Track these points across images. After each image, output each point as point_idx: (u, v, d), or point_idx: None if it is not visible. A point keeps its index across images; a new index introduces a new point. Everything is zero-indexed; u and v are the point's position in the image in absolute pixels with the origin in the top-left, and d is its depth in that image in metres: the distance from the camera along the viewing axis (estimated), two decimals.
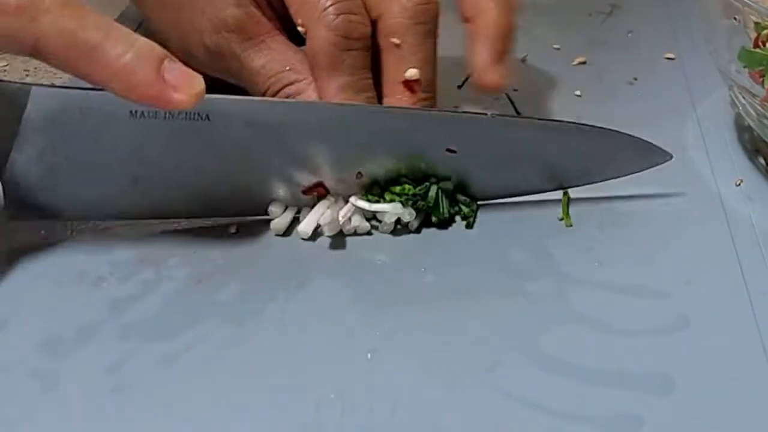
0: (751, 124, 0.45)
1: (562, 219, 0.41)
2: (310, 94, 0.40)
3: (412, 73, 0.40)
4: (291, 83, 0.40)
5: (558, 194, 0.42)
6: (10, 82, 0.36)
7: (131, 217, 0.40)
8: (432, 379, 0.32)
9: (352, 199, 0.39)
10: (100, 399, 0.32)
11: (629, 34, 0.59)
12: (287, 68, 0.40)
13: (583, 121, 0.41)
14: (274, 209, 0.40)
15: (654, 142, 0.41)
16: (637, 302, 0.36)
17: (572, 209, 0.41)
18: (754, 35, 0.41)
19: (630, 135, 0.41)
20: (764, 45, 0.41)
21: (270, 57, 0.40)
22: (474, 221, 0.41)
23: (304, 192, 0.39)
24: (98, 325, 0.35)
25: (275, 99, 0.40)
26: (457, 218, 0.41)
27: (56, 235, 0.39)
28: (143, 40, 0.33)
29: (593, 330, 0.35)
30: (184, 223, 0.40)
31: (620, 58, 0.55)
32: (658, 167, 0.41)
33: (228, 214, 0.40)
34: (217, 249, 0.39)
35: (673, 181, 0.43)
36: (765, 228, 0.40)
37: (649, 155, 0.41)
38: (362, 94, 0.40)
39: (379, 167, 0.39)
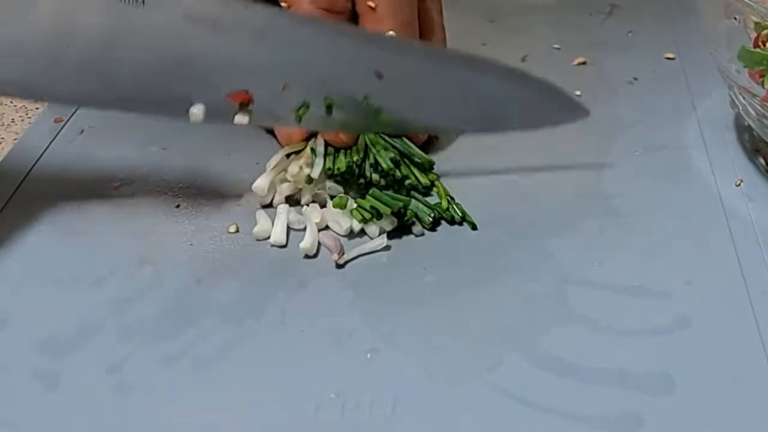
0: (751, 123, 0.45)
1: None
2: None
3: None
4: None
5: (558, 194, 0.42)
6: None
7: (49, 100, 0.39)
8: (432, 378, 0.32)
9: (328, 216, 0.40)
10: (100, 399, 0.32)
11: (629, 34, 0.59)
12: None
13: (583, 121, 0.41)
14: (195, 111, 0.37)
15: (654, 142, 0.41)
16: (637, 302, 0.36)
17: (572, 209, 0.41)
18: (754, 35, 0.41)
19: (555, 87, 0.41)
20: (764, 45, 0.41)
21: None
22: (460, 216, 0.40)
23: (229, 96, 0.38)
24: (98, 325, 0.35)
25: None
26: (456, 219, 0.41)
27: (57, 235, 0.39)
28: None
29: (593, 330, 0.35)
30: (182, 218, 0.40)
31: (620, 58, 0.55)
32: (657, 164, 0.41)
33: (144, 110, 0.38)
34: (217, 249, 0.39)
35: (673, 181, 0.43)
36: (765, 227, 0.40)
37: (569, 110, 0.41)
38: None
39: (307, 84, 0.38)
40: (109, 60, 0.36)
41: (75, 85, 0.36)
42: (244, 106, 0.38)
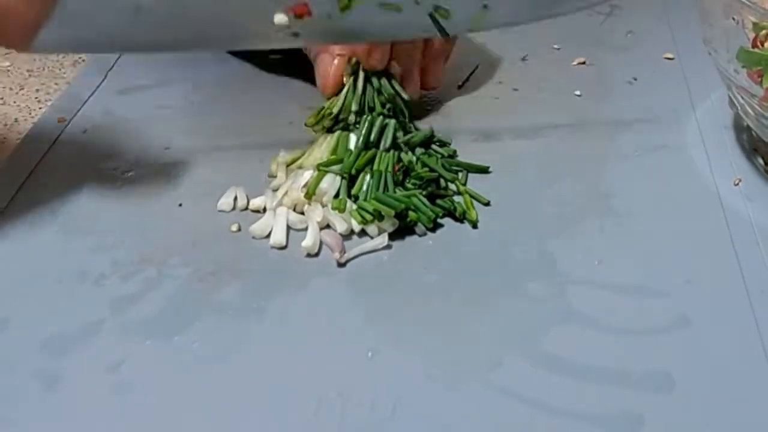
0: (750, 124, 0.45)
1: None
2: None
3: None
4: None
5: (558, 194, 0.42)
6: None
7: (133, 50, 0.41)
8: (433, 378, 0.32)
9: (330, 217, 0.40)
10: (101, 398, 0.32)
11: (629, 34, 0.59)
12: None
13: (583, 121, 0.41)
14: (277, 18, 0.40)
15: (654, 142, 0.41)
16: (637, 302, 0.36)
17: (572, 209, 0.41)
18: (752, 35, 0.41)
19: None
20: (762, 45, 0.41)
21: None
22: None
23: (291, 9, 0.40)
24: (99, 324, 0.35)
25: None
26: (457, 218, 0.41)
27: (58, 234, 0.39)
28: None
29: (593, 329, 0.35)
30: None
31: (620, 58, 0.55)
32: (657, 164, 0.41)
33: (224, 45, 0.42)
34: (218, 248, 0.39)
35: (672, 180, 0.44)
36: (764, 227, 0.40)
37: None
38: None
39: None
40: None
41: (160, 30, 0.39)
42: (300, 18, 0.40)
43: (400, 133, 0.44)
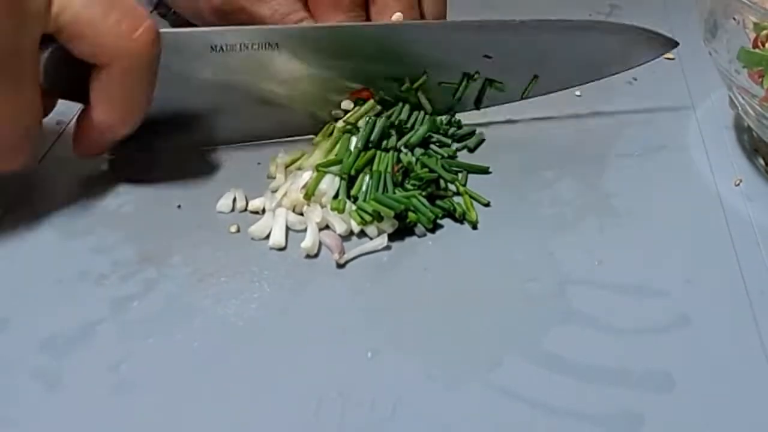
0: (750, 124, 0.45)
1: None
2: None
3: (396, 17, 0.46)
4: (300, 20, 0.46)
5: (558, 193, 0.42)
6: None
7: (214, 143, 0.45)
8: (433, 378, 0.32)
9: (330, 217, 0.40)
10: (101, 398, 0.32)
11: None
12: (294, 10, 0.46)
13: (583, 121, 0.41)
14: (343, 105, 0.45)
15: (654, 142, 0.41)
16: (637, 302, 0.36)
17: (572, 209, 0.41)
18: (753, 35, 0.41)
19: (641, 27, 0.46)
20: (763, 45, 0.41)
21: (276, 2, 0.46)
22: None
23: (353, 93, 0.45)
24: (99, 323, 0.35)
25: (337, 24, 0.45)
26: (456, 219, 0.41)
27: (58, 234, 0.39)
28: None
29: (593, 329, 0.35)
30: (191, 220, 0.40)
31: None
32: (657, 164, 0.41)
33: (296, 133, 0.46)
34: (217, 248, 0.39)
35: (672, 180, 0.44)
36: (764, 227, 0.40)
37: (658, 45, 0.47)
38: None
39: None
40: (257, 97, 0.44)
41: (234, 127, 0.45)
42: (366, 100, 0.45)
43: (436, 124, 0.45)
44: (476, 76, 0.46)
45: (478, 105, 0.47)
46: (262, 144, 0.46)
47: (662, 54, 0.48)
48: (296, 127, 0.46)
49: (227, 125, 0.45)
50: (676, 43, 0.47)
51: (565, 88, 0.47)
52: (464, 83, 0.46)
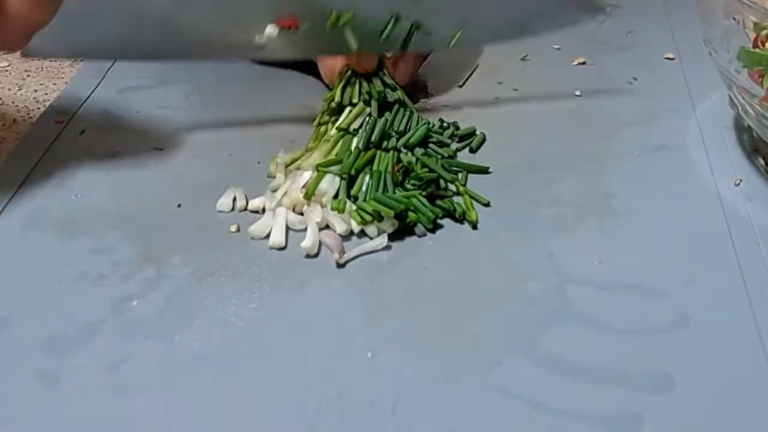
0: (750, 124, 0.45)
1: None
2: None
3: None
4: None
5: (558, 193, 0.42)
6: None
7: (128, 57, 0.44)
8: (432, 378, 0.32)
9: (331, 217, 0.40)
10: (101, 398, 0.32)
11: (629, 34, 0.59)
12: None
13: (583, 121, 0.41)
14: (269, 31, 0.43)
15: (654, 142, 0.41)
16: (637, 302, 0.36)
17: (572, 209, 0.41)
18: (753, 35, 0.41)
19: None
20: (763, 45, 0.41)
21: None
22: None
23: (279, 20, 0.43)
24: (100, 323, 0.35)
25: None
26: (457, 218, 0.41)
27: (58, 234, 0.39)
28: None
29: (593, 329, 0.35)
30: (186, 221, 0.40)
31: (620, 58, 0.55)
32: (657, 164, 0.41)
33: (213, 56, 0.45)
34: (217, 248, 0.39)
35: (672, 180, 0.44)
36: (764, 227, 0.40)
37: (587, 10, 0.47)
38: None
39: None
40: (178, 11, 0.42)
41: (153, 42, 0.42)
42: (290, 28, 0.44)
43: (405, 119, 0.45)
44: (404, 18, 0.44)
45: (404, 48, 0.46)
46: (262, 144, 0.45)
47: (592, 17, 0.48)
48: (225, 50, 0.44)
49: (149, 39, 0.43)
50: (606, 8, 0.47)
51: (493, 43, 0.48)
52: (391, 23, 0.44)
